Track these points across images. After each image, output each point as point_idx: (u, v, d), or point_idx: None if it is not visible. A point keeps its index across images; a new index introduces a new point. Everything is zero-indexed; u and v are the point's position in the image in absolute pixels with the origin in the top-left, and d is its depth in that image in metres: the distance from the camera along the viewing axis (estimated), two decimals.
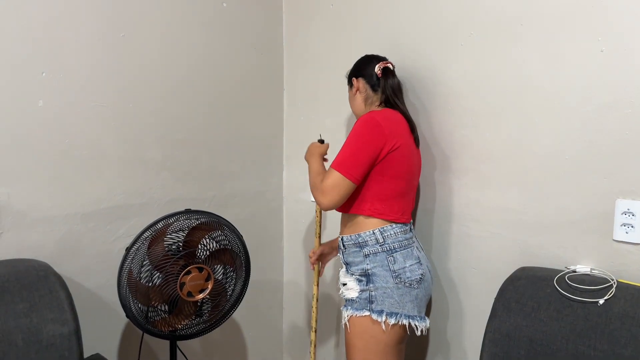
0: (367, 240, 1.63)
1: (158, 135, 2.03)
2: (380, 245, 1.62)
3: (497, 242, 1.74)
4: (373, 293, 1.60)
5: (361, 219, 1.64)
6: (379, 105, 1.76)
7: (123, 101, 1.92)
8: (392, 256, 1.61)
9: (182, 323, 1.73)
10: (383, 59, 1.78)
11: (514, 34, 1.65)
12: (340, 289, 1.72)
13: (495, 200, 1.73)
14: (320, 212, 1.99)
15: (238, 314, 2.22)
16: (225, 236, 1.78)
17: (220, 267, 1.78)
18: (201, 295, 1.71)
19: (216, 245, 1.76)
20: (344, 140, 1.97)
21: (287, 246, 2.53)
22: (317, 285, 1.98)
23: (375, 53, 1.93)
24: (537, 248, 1.65)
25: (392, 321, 1.58)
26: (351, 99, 1.82)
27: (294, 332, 2.53)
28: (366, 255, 1.62)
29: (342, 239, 1.70)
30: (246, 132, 2.32)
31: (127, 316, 1.67)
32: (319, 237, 1.99)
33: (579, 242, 1.56)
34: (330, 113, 2.26)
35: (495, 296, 1.56)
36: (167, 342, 1.96)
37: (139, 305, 1.67)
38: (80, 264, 1.86)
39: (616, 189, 1.47)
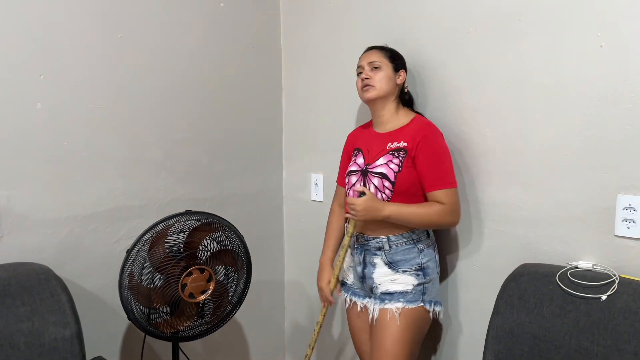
0: (420, 236, 1.70)
1: (157, 135, 2.02)
2: (429, 240, 1.73)
3: (498, 238, 1.74)
4: (427, 285, 1.68)
5: None
6: (400, 105, 1.78)
7: (122, 102, 1.92)
8: (435, 248, 1.76)
9: (184, 324, 1.73)
10: None
11: (513, 29, 1.64)
12: (375, 285, 1.70)
13: (496, 196, 1.73)
14: (346, 250, 1.79)
15: (240, 315, 2.21)
16: (226, 237, 1.77)
17: (221, 267, 1.77)
18: (203, 297, 1.71)
19: (217, 246, 1.75)
20: (345, 139, 1.97)
21: (288, 246, 2.52)
22: (324, 315, 1.88)
23: None
24: (539, 244, 1.64)
25: (437, 309, 1.70)
26: (389, 80, 1.73)
27: (296, 331, 2.53)
28: (421, 250, 1.69)
29: (388, 239, 1.68)
30: (245, 131, 2.32)
31: (129, 318, 1.67)
32: (337, 277, 1.83)
33: (581, 237, 1.55)
34: (329, 111, 2.25)
35: (497, 293, 1.56)
36: (169, 344, 1.95)
37: (141, 307, 1.66)
38: (81, 266, 1.85)
39: (617, 184, 1.47)
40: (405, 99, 1.81)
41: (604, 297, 1.37)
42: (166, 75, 2.03)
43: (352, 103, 2.13)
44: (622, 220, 1.46)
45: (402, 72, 1.76)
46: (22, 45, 1.68)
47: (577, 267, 1.50)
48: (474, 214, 1.79)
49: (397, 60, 1.76)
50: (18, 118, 1.69)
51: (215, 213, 1.82)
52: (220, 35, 2.19)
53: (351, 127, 2.13)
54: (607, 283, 1.40)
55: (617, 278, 1.40)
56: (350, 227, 1.72)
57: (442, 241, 1.88)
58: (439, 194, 1.63)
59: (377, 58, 1.74)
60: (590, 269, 1.49)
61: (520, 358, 1.45)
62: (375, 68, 1.73)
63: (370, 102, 1.76)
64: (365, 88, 1.73)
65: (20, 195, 1.71)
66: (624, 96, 1.44)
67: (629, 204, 1.45)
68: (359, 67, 1.78)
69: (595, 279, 1.42)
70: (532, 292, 1.48)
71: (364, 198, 1.61)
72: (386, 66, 1.73)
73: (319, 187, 2.32)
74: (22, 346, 1.46)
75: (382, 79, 1.72)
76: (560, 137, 1.57)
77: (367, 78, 1.72)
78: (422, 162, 1.64)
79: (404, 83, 1.78)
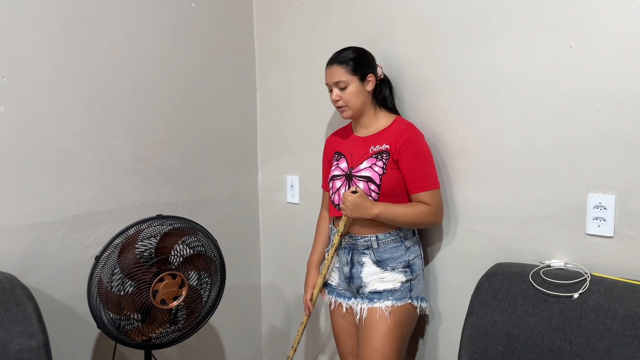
0: (407, 234, 1.71)
1: (127, 138, 1.97)
2: (415, 237, 1.75)
3: (473, 238, 1.75)
4: (413, 282, 1.70)
5: None
6: (378, 107, 1.77)
7: (89, 104, 1.87)
8: (420, 245, 1.78)
9: (157, 331, 1.69)
10: None
11: (484, 30, 1.65)
12: (363, 285, 1.70)
13: (470, 196, 1.74)
14: (335, 250, 1.75)
15: (215, 320, 2.18)
16: (199, 241, 1.74)
17: (194, 273, 1.74)
18: (175, 303, 1.67)
19: (190, 251, 1.72)
20: (321, 140, 1.96)
21: (264, 249, 2.50)
22: (309, 316, 1.87)
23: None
24: (513, 243, 1.65)
25: (424, 305, 1.73)
26: (358, 94, 1.69)
27: (273, 335, 2.51)
28: (408, 248, 1.70)
29: (376, 238, 1.68)
30: (219, 133, 2.28)
31: (99, 327, 1.62)
32: (324, 281, 1.82)
33: (553, 236, 1.57)
34: (304, 112, 2.24)
35: (472, 293, 1.56)
36: (141, 352, 1.91)
37: (111, 315, 1.62)
38: (48, 274, 1.80)
39: (588, 183, 1.49)
40: (382, 99, 1.79)
41: (575, 295, 1.38)
42: (136, 76, 1.99)
43: (328, 104, 2.12)
44: (593, 219, 1.48)
45: (370, 77, 1.71)
46: None
47: (550, 266, 1.51)
48: (448, 214, 1.80)
49: (361, 69, 1.70)
50: None
51: (188, 217, 1.78)
52: (191, 36, 2.15)
53: (326, 128, 2.11)
54: (579, 281, 1.41)
55: (588, 276, 1.41)
56: (340, 225, 1.70)
57: None
58: (423, 196, 1.65)
59: (341, 77, 1.68)
60: (563, 267, 1.51)
61: (494, 358, 1.45)
62: (342, 88, 1.69)
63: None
64: (340, 109, 1.74)
65: None
66: (593, 95, 1.46)
67: (599, 203, 1.46)
68: (326, 84, 1.74)
69: (568, 278, 1.44)
70: (506, 291, 1.49)
71: (355, 196, 1.62)
72: (352, 81, 1.69)
73: (295, 189, 2.30)
74: None
75: (351, 98, 1.69)
76: (531, 136, 1.58)
77: (337, 100, 1.71)
78: (406, 165, 1.65)
79: (378, 81, 1.76)
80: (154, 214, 1.75)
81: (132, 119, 1.98)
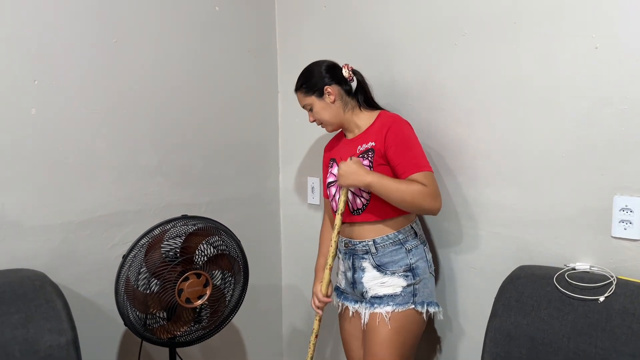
0: (407, 236, 1.67)
1: (153, 140, 2.01)
2: (418, 238, 1.69)
3: (495, 240, 1.74)
4: (417, 286, 1.65)
5: (400, 217, 1.66)
6: (358, 108, 1.76)
7: (116, 107, 1.91)
8: (426, 247, 1.72)
9: (181, 330, 1.72)
10: (335, 63, 1.76)
11: (507, 32, 1.64)
12: (365, 290, 1.68)
13: (492, 199, 1.73)
14: (336, 248, 1.70)
15: (237, 319, 2.20)
16: (223, 241, 1.77)
17: (218, 272, 1.77)
18: (199, 302, 1.70)
19: (214, 251, 1.75)
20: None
21: (285, 249, 2.52)
22: (320, 321, 1.79)
23: (368, 53, 1.92)
24: (536, 246, 1.64)
25: (431, 310, 1.66)
26: (324, 110, 1.72)
27: (293, 336, 2.52)
28: (409, 250, 1.66)
29: (373, 242, 1.66)
30: (241, 135, 2.31)
31: (126, 324, 1.66)
32: (329, 281, 1.74)
33: (578, 239, 1.55)
34: None
35: (495, 295, 1.55)
36: (166, 350, 1.94)
37: (137, 313, 1.65)
38: (76, 272, 1.84)
39: (613, 186, 1.47)
40: (362, 99, 1.77)
41: (601, 298, 1.37)
42: (161, 79, 2.02)
43: None
44: (619, 222, 1.46)
45: (328, 89, 1.70)
46: (16, 50, 1.67)
47: (575, 269, 1.50)
48: (470, 216, 1.79)
49: (313, 88, 1.72)
50: (12, 123, 1.68)
51: (211, 217, 1.81)
52: (215, 39, 2.18)
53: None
54: (605, 285, 1.40)
55: (614, 279, 1.40)
56: (340, 203, 1.64)
57: (438, 243, 1.88)
58: (417, 176, 1.58)
59: (302, 101, 1.76)
60: (588, 270, 1.49)
61: None
62: (310, 110, 1.76)
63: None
64: (321, 127, 1.79)
65: (14, 202, 1.70)
66: (618, 97, 1.45)
67: (626, 205, 1.45)
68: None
69: (593, 281, 1.42)
70: (530, 294, 1.48)
71: (348, 162, 1.59)
72: (313, 102, 1.73)
73: (316, 190, 2.32)
74: (17, 354, 1.45)
75: (320, 115, 1.74)
76: (555, 138, 1.57)
77: (312, 120, 1.77)
78: (393, 153, 1.61)
79: (345, 94, 1.73)
80: (178, 215, 1.78)
81: (156, 121, 2.02)
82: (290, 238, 2.48)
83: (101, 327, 1.91)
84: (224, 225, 1.79)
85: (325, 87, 1.71)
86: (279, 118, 2.46)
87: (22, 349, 1.46)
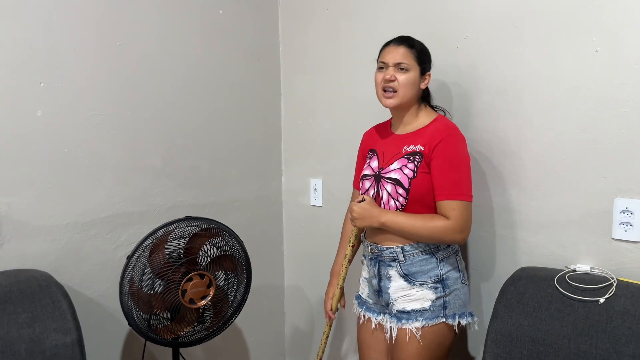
0: (439, 245, 1.55)
1: (157, 142, 2.03)
2: (450, 248, 1.58)
3: (497, 242, 1.75)
4: (447, 298, 1.54)
5: None
6: (421, 104, 1.64)
7: (121, 109, 1.93)
8: (458, 256, 1.61)
9: (185, 330, 1.73)
10: None
11: (509, 35, 1.66)
12: (391, 301, 1.59)
13: (494, 200, 1.74)
14: (349, 261, 1.72)
15: (240, 320, 2.22)
16: (226, 242, 1.78)
17: (221, 273, 1.78)
18: (203, 302, 1.71)
19: (217, 252, 1.76)
20: (343, 144, 1.98)
21: (287, 251, 2.53)
22: (330, 326, 1.84)
23: (370, 56, 1.93)
24: (537, 247, 1.65)
25: (463, 322, 1.56)
26: (412, 85, 1.55)
27: (296, 337, 2.53)
28: (440, 260, 1.55)
29: (402, 249, 1.55)
30: (244, 137, 2.33)
31: (130, 324, 1.67)
32: (342, 289, 1.78)
33: (579, 240, 1.56)
34: (327, 116, 2.27)
35: (496, 297, 1.56)
36: (169, 350, 1.96)
37: (141, 313, 1.67)
38: (81, 273, 1.86)
39: (614, 188, 1.48)
40: (425, 96, 1.68)
41: (602, 300, 1.38)
42: (166, 82, 2.04)
43: (351, 109, 2.15)
44: (620, 224, 1.47)
45: (427, 76, 1.61)
46: (22, 52, 1.69)
47: (575, 271, 1.51)
48: (472, 218, 1.80)
49: (424, 63, 1.59)
50: (18, 125, 1.70)
51: (215, 219, 1.82)
52: (219, 42, 2.20)
53: (350, 132, 2.14)
54: (605, 286, 1.41)
55: (615, 281, 1.41)
56: (351, 237, 1.68)
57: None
58: (447, 205, 1.48)
59: (405, 59, 1.55)
60: (588, 272, 1.50)
61: None
62: (402, 69, 1.55)
63: (389, 108, 1.63)
64: (387, 94, 1.57)
65: (21, 202, 1.72)
66: (619, 100, 1.46)
67: (626, 207, 1.46)
68: (381, 61, 1.58)
69: (593, 282, 1.43)
70: (531, 295, 1.49)
71: (361, 204, 1.55)
72: (414, 69, 1.55)
73: (318, 192, 2.33)
74: (23, 353, 1.46)
75: (406, 84, 1.54)
76: (557, 141, 1.58)
77: (391, 80, 1.55)
78: (435, 168, 1.50)
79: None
80: (182, 216, 1.79)
81: (161, 123, 2.04)
82: (293, 239, 2.50)
83: (105, 327, 1.92)
84: (227, 226, 1.81)
85: (429, 72, 1.62)
86: (281, 120, 2.47)
87: (28, 347, 1.47)
